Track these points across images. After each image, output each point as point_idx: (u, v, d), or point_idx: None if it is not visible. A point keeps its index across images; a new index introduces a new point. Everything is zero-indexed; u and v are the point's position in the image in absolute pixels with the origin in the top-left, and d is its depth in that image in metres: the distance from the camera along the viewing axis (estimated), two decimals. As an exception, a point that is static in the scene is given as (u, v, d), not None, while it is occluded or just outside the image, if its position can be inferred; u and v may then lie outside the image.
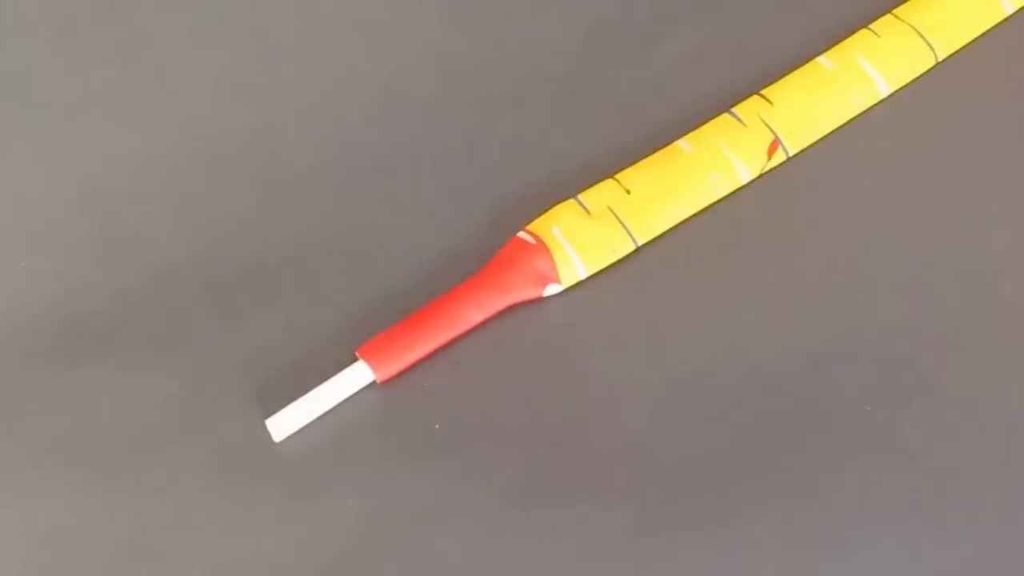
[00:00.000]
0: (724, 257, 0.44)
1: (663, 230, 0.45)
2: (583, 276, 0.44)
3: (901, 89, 0.48)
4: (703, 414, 0.42)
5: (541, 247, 0.44)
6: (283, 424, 0.42)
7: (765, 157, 0.46)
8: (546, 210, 0.45)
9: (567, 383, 0.43)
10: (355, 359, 0.43)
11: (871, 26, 0.48)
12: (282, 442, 0.42)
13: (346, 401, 0.43)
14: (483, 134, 0.48)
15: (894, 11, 0.48)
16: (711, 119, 0.47)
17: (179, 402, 0.43)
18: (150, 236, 0.47)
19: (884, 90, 0.47)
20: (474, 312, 0.43)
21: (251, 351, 0.44)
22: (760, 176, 0.46)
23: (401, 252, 0.45)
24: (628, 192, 0.45)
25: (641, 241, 0.44)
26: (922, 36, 0.48)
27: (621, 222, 0.44)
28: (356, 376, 0.43)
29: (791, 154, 0.46)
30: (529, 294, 0.44)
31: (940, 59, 0.48)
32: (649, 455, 0.41)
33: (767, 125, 0.46)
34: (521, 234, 0.44)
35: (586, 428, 0.42)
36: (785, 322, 0.43)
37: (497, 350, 0.43)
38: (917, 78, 0.48)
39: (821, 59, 0.47)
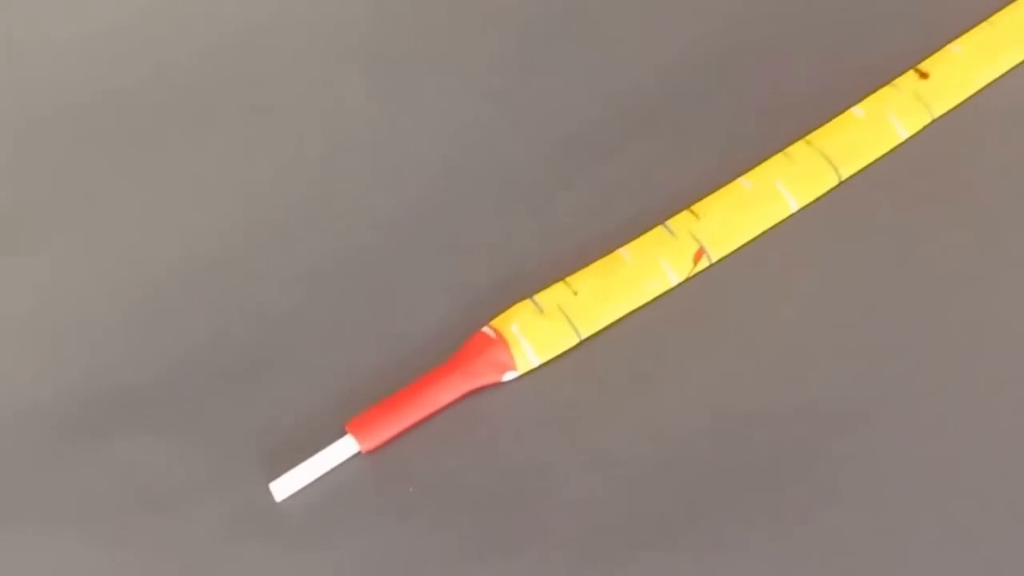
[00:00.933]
0: (654, 348, 0.51)
1: (603, 326, 0.52)
2: (535, 364, 0.51)
3: (808, 205, 0.54)
4: (637, 478, 0.48)
5: (501, 341, 0.50)
6: (284, 487, 0.47)
7: (691, 263, 0.53)
8: (506, 308, 0.52)
9: (521, 453, 0.48)
10: (344, 432, 0.49)
11: (786, 150, 0.55)
12: (282, 502, 0.48)
13: (337, 468, 0.48)
14: (456, 239, 0.54)
15: (806, 137, 0.55)
16: (648, 230, 0.53)
17: (197, 467, 0.48)
18: (175, 323, 0.52)
19: (794, 206, 0.54)
20: (444, 394, 0.49)
21: (258, 425, 0.49)
22: (687, 279, 0.53)
23: (384, 341, 0.51)
24: (575, 293, 0.52)
25: (584, 335, 0.51)
26: (828, 159, 0.54)
27: (568, 319, 0.51)
28: (345, 447, 0.48)
29: (713, 260, 0.53)
30: (490, 379, 0.50)
31: (843, 179, 0.54)
32: (591, 513, 0.47)
33: (694, 236, 0.53)
34: (485, 329, 0.51)
35: (536, 490, 0.48)
36: (706, 403, 0.49)
37: (463, 426, 0.49)
38: (822, 196, 0.54)
39: (742, 180, 0.54)
